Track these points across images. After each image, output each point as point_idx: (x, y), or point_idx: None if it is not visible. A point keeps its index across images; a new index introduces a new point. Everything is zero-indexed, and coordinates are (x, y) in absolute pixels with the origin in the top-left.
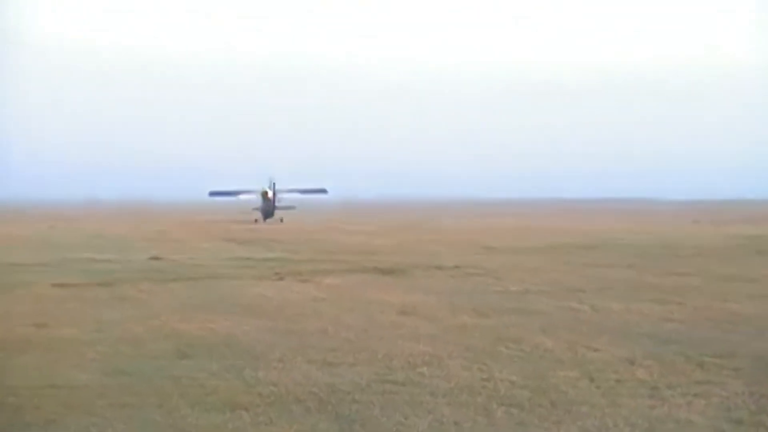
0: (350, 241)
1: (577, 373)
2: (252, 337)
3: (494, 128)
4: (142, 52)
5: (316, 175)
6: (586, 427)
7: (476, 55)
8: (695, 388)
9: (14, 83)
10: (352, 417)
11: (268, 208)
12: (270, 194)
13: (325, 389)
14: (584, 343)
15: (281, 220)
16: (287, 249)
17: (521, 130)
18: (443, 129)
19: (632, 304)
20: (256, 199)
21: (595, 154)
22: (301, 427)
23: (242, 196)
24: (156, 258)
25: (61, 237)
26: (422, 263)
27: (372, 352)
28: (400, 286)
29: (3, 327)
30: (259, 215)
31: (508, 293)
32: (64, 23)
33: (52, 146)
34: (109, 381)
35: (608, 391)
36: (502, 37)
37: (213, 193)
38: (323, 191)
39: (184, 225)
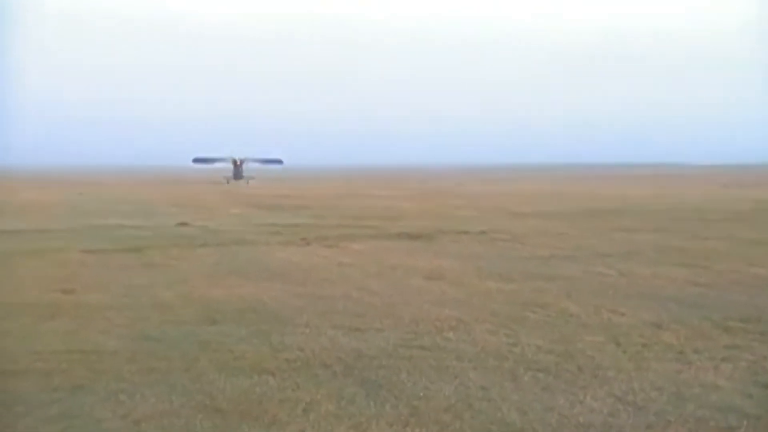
0: (376, 207)
1: (604, 337)
2: (279, 303)
3: (521, 92)
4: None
5: (332, 139)
6: (612, 391)
7: (499, 14)
8: (722, 353)
9: (33, 49)
10: (379, 382)
11: (238, 173)
12: (239, 162)
13: (352, 354)
14: (610, 308)
15: (247, 182)
16: (314, 215)
17: (549, 94)
18: (464, 93)
19: (659, 268)
20: (227, 166)
21: (625, 119)
22: (327, 392)
23: (217, 164)
24: (183, 224)
25: (89, 203)
26: (448, 228)
27: (398, 318)
28: (427, 252)
29: (31, 293)
30: (230, 177)
31: (535, 258)
32: None
33: (76, 113)
34: (137, 346)
35: (634, 356)
36: None
37: (196, 160)
38: (279, 162)
39: (204, 190)
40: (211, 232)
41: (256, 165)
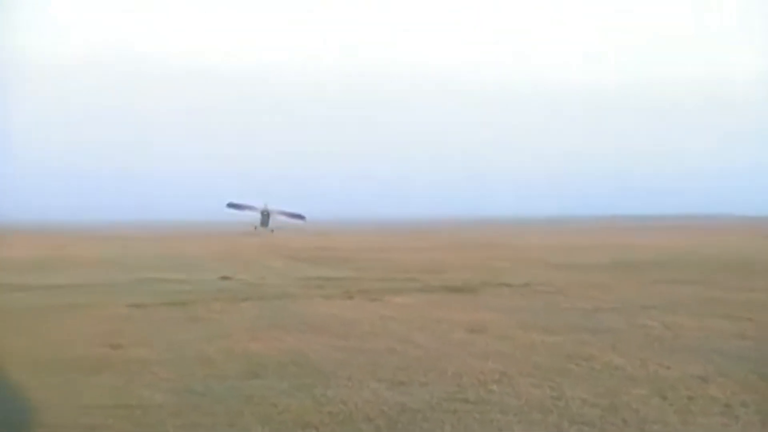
0: (417, 260)
1: (649, 390)
2: (321, 356)
3: (553, 141)
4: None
5: (363, 193)
6: None
7: (527, 62)
8: None
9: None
10: None
11: (265, 221)
12: (267, 213)
13: (395, 408)
14: (656, 360)
15: (272, 231)
16: (355, 267)
17: (589, 145)
18: (494, 142)
19: (703, 320)
20: (256, 214)
21: (665, 170)
22: None
23: (248, 212)
24: (226, 278)
25: (134, 257)
26: (490, 281)
27: (442, 371)
28: (470, 304)
29: (78, 347)
30: (258, 225)
31: (578, 310)
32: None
33: (97, 168)
34: (182, 401)
35: (680, 409)
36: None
37: (230, 205)
38: (302, 217)
39: (243, 243)
40: (252, 286)
41: (282, 218)
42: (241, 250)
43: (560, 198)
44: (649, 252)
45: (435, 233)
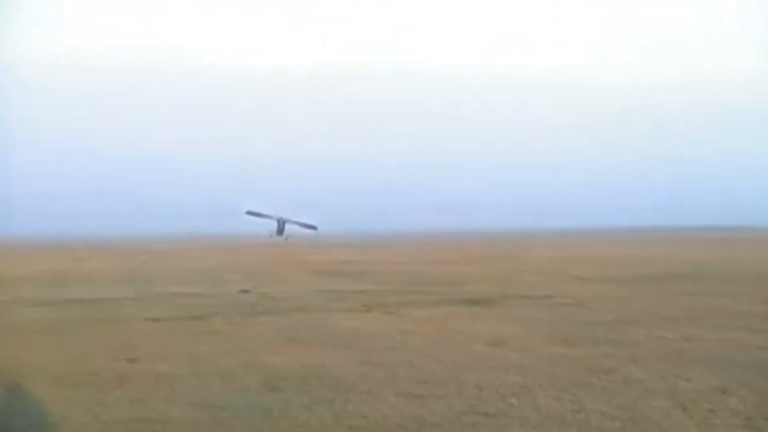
0: (436, 272)
1: (670, 403)
2: (341, 370)
3: (579, 152)
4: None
5: (377, 204)
6: None
7: (550, 69)
8: None
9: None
10: None
11: (281, 230)
12: (282, 222)
13: (415, 421)
14: (676, 373)
15: (286, 239)
16: (374, 281)
17: (608, 156)
18: (510, 150)
19: (725, 332)
20: (273, 223)
21: (686, 181)
22: None
23: (265, 220)
24: (245, 291)
25: (153, 271)
26: (510, 293)
27: (461, 384)
28: (490, 317)
29: (97, 362)
30: (273, 233)
31: (599, 323)
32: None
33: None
34: (201, 415)
35: (701, 422)
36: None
37: (249, 213)
38: (314, 227)
39: (262, 256)
40: (272, 299)
41: (295, 227)
42: (260, 263)
43: (583, 209)
44: (671, 264)
45: (455, 245)
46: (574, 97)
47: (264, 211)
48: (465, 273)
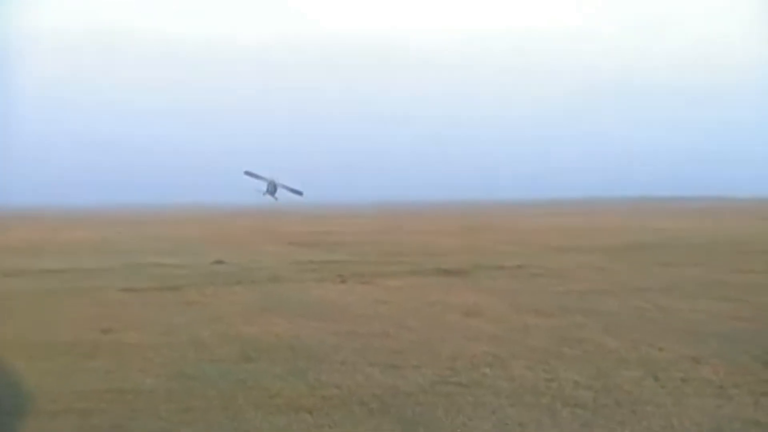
0: (412, 242)
1: (642, 372)
2: (315, 340)
3: (549, 125)
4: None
5: (360, 174)
6: (651, 426)
7: (527, 43)
8: (762, 387)
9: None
10: (416, 419)
11: (272, 191)
12: (274, 184)
13: (388, 391)
14: (649, 342)
15: (276, 199)
16: (350, 251)
17: (587, 127)
18: (491, 122)
19: (699, 302)
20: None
21: (663, 151)
22: (364, 430)
23: (259, 181)
24: (219, 262)
25: (128, 242)
26: (485, 264)
27: (435, 354)
28: (464, 287)
29: (71, 332)
30: (266, 192)
31: (572, 293)
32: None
33: (115, 151)
34: (175, 385)
35: (673, 391)
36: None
37: (247, 173)
38: (300, 193)
39: (237, 227)
40: (247, 270)
41: (283, 191)
42: (235, 233)
43: (563, 180)
44: (645, 234)
45: (434, 216)
46: (551, 67)
47: (260, 174)
48: (441, 243)
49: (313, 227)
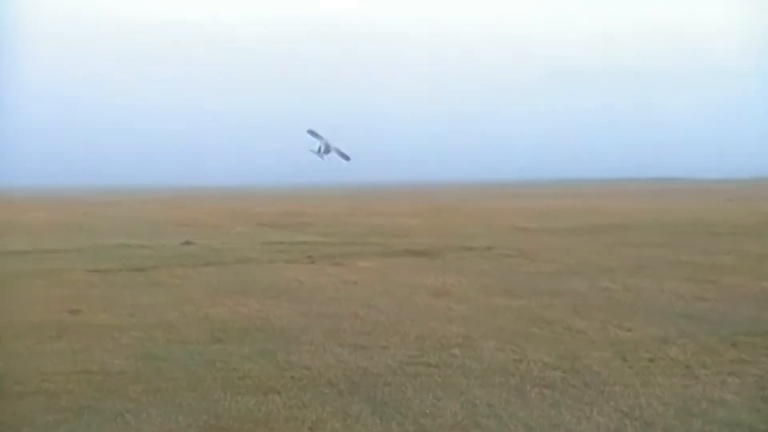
0: (382, 224)
1: (610, 353)
2: (284, 321)
3: (511, 104)
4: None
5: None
6: (619, 406)
7: (491, 19)
8: (729, 367)
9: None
10: (385, 399)
11: (327, 150)
12: (328, 145)
13: (358, 372)
14: (617, 323)
15: (323, 159)
16: (319, 232)
17: (540, 105)
18: (449, 103)
19: (666, 283)
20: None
21: (627, 133)
22: (333, 410)
23: (317, 140)
24: (188, 243)
25: (95, 223)
26: (454, 245)
27: (404, 335)
28: (433, 268)
29: (38, 313)
30: (319, 151)
31: (541, 274)
32: None
33: (82, 131)
34: (143, 366)
35: (641, 371)
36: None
37: (310, 131)
38: (348, 158)
39: (208, 209)
40: (215, 251)
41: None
42: (205, 215)
43: (530, 161)
44: (614, 216)
45: (404, 198)
46: (523, 51)
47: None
48: (410, 225)
49: (283, 208)
